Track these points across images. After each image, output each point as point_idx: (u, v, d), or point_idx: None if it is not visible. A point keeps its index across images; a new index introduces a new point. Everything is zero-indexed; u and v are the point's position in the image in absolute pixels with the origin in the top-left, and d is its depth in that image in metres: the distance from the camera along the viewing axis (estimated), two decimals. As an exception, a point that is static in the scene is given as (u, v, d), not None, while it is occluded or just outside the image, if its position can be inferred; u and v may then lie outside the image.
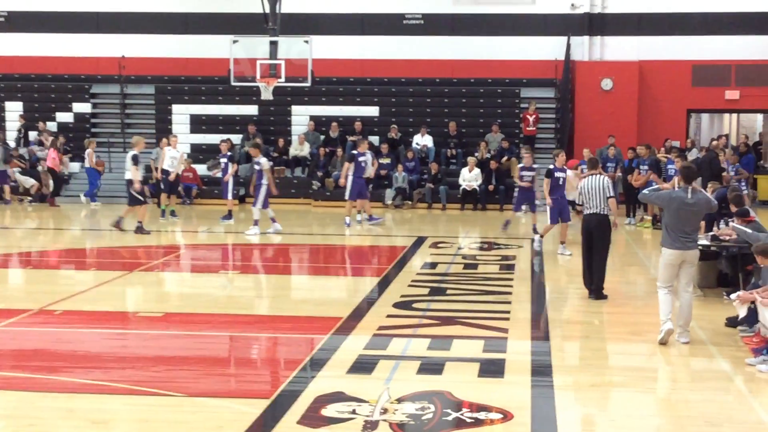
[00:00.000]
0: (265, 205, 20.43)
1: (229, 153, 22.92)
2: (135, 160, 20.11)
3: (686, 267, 10.84)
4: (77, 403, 8.41)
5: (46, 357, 10.12)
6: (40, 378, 9.15)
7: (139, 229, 19.88)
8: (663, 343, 10.60)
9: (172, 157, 23.09)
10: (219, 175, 22.98)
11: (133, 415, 8.21)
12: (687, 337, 10.79)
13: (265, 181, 20.40)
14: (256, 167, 20.69)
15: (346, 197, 21.99)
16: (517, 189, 21.47)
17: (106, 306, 12.90)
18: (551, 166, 18.17)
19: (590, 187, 13.47)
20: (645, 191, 11.56)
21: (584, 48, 28.53)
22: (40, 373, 9.29)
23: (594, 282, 13.30)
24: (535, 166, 20.79)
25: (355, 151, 22.40)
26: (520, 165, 21.10)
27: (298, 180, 27.56)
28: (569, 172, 18.35)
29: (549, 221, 18.16)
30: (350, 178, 21.67)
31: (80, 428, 7.76)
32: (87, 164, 25.94)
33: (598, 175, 13.73)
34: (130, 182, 20.11)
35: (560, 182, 17.86)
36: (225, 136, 27.53)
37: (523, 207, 21.00)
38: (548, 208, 17.99)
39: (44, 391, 8.78)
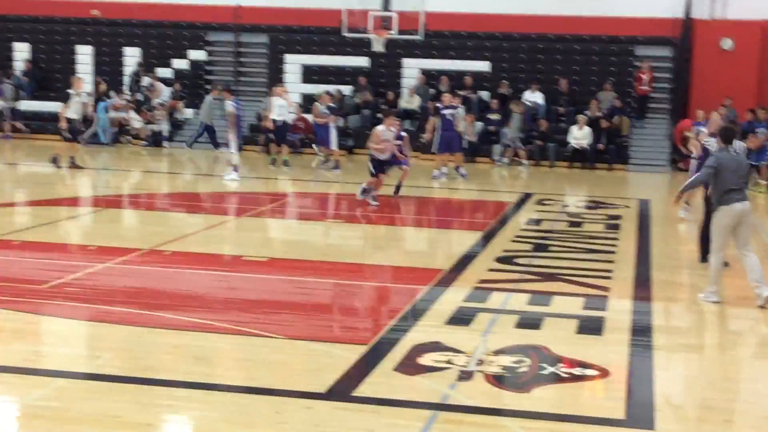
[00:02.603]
0: (232, 148, 20.62)
1: (331, 104, 23.43)
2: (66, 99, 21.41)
3: (743, 226, 10.67)
4: (182, 340, 8.68)
5: (155, 295, 10.46)
6: (148, 314, 9.46)
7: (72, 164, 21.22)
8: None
9: (280, 106, 23.36)
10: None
11: (234, 353, 8.45)
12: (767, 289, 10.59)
13: (231, 126, 20.62)
14: (226, 112, 21.04)
15: (434, 150, 22.12)
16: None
17: (214, 249, 13.23)
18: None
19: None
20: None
21: (704, 5, 27.68)
22: (148, 310, 9.60)
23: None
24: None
25: (439, 104, 22.37)
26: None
27: (407, 133, 27.50)
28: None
29: None
30: (438, 132, 21.77)
31: (183, 364, 8.01)
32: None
33: None
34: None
35: None
36: (333, 87, 27.90)
37: None
38: None
39: (152, 326, 9.08)
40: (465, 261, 12.74)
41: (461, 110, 22.45)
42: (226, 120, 21.14)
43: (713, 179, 10.73)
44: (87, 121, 27.87)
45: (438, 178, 21.67)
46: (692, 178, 11.35)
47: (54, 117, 27.41)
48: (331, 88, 27.97)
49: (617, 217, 17.10)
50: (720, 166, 10.67)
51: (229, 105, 20.85)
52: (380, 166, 17.59)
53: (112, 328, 9.06)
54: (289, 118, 24.12)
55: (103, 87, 28.34)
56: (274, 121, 23.30)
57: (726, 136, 10.99)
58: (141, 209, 17.25)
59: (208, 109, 25.10)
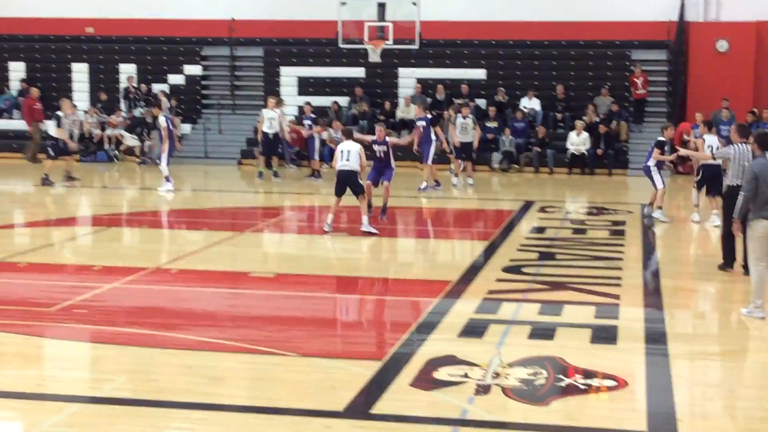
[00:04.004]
0: (162, 161, 21.21)
1: (312, 115, 23.54)
2: (58, 121, 21.59)
3: None
4: (195, 360, 8.61)
5: (164, 314, 10.39)
6: (159, 335, 9.39)
7: (45, 181, 21.52)
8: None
9: (270, 119, 23.37)
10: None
11: (249, 373, 8.38)
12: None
13: (163, 140, 21.22)
14: (158, 126, 21.60)
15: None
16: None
17: (219, 266, 13.16)
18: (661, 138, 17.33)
19: (741, 157, 12.42)
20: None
21: (699, 8, 27.71)
22: (159, 330, 9.54)
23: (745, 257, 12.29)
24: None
25: (416, 117, 22.26)
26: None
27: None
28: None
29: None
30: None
31: (198, 385, 7.94)
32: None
33: (748, 144, 12.43)
34: (50, 138, 21.80)
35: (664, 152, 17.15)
36: (330, 99, 27.89)
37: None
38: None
39: (163, 347, 9.02)
40: (472, 272, 12.69)
41: (470, 120, 22.40)
42: (158, 133, 21.70)
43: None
44: (84, 139, 27.92)
45: (436, 189, 21.48)
46: (741, 198, 10.43)
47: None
48: (328, 99, 27.97)
49: (621, 223, 17.06)
50: (759, 175, 10.19)
51: (162, 120, 21.40)
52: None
53: (123, 349, 8.99)
54: (284, 130, 23.98)
55: (164, 102, 27.93)
56: (265, 133, 23.32)
57: (764, 142, 10.51)
58: (143, 227, 17.17)
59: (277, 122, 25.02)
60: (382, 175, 16.79)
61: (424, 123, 21.55)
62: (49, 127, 22.03)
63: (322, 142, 23.97)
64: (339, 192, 15.60)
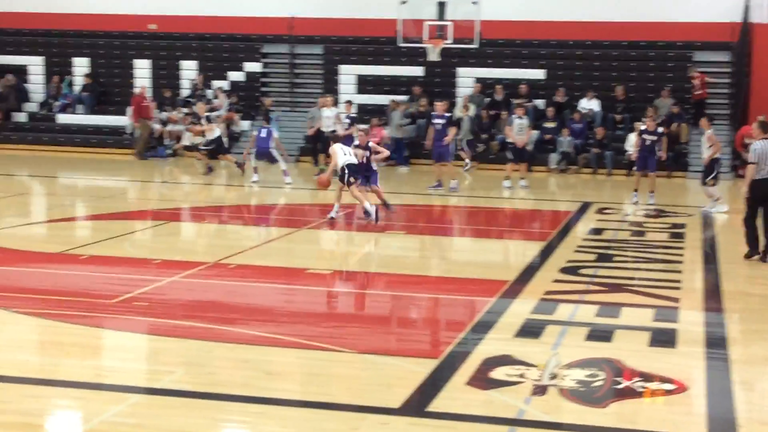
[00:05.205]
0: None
1: (353, 114, 23.47)
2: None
3: None
4: (252, 355, 8.68)
5: (222, 309, 10.47)
6: (217, 329, 9.48)
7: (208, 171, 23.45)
8: None
9: (327, 117, 23.44)
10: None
11: (305, 368, 8.43)
12: None
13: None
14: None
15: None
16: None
17: (278, 262, 13.26)
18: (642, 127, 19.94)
19: (764, 152, 13.03)
20: None
21: (764, 9, 27.21)
22: (217, 324, 9.63)
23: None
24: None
25: (433, 113, 22.05)
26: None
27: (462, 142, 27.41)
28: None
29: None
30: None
31: (255, 379, 8.01)
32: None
33: None
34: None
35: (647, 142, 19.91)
36: (388, 97, 27.89)
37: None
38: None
39: (221, 341, 9.10)
40: (529, 272, 12.64)
41: (525, 121, 22.23)
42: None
43: None
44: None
45: (437, 189, 21.11)
46: None
47: (114, 131, 27.98)
48: (386, 98, 27.97)
49: (681, 226, 16.88)
50: None
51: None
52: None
53: (181, 342, 9.11)
54: (339, 128, 23.93)
55: (267, 101, 28.16)
56: (322, 132, 23.38)
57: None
58: (202, 222, 17.35)
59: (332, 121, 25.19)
60: (369, 180, 16.74)
61: (442, 121, 21.28)
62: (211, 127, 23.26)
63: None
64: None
